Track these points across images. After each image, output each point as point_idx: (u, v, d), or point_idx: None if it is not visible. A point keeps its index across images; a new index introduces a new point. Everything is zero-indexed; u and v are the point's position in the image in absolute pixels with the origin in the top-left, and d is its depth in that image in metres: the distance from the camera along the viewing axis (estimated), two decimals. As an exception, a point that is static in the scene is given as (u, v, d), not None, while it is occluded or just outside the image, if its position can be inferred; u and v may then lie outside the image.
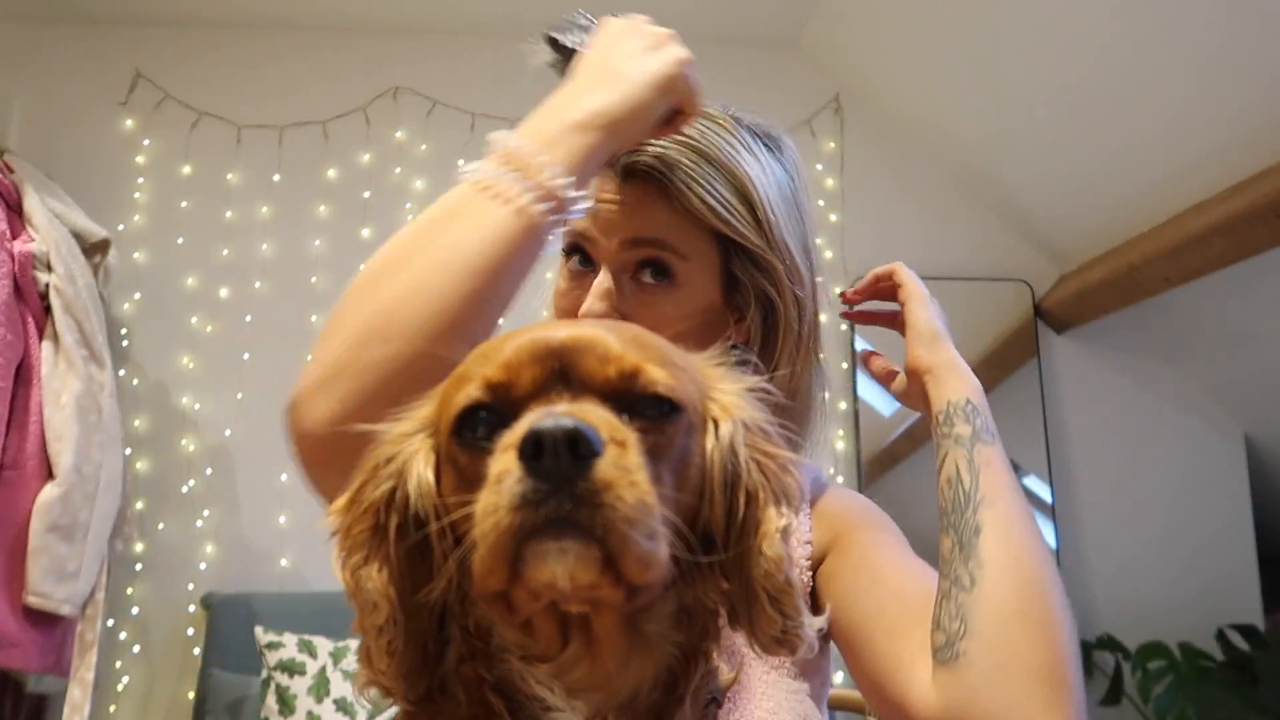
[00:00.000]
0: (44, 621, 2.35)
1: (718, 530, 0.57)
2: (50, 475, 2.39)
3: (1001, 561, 0.72)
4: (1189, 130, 2.56)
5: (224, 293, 3.14)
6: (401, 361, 0.69)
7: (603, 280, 0.91)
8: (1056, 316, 3.26)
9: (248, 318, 3.13)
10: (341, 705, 2.49)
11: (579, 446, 0.47)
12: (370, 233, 3.18)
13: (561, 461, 0.47)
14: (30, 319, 2.47)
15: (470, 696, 0.56)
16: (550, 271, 1.02)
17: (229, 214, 3.18)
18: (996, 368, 3.23)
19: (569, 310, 0.94)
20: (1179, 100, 2.52)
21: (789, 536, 0.58)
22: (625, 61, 0.81)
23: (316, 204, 3.20)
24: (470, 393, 0.53)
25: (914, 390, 0.92)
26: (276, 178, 3.20)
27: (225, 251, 3.16)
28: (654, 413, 0.53)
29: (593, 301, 0.91)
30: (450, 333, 0.69)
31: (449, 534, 0.54)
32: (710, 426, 0.58)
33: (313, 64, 3.29)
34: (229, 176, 3.20)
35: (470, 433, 0.53)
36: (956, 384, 0.87)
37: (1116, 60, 2.57)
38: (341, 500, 0.58)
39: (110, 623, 2.83)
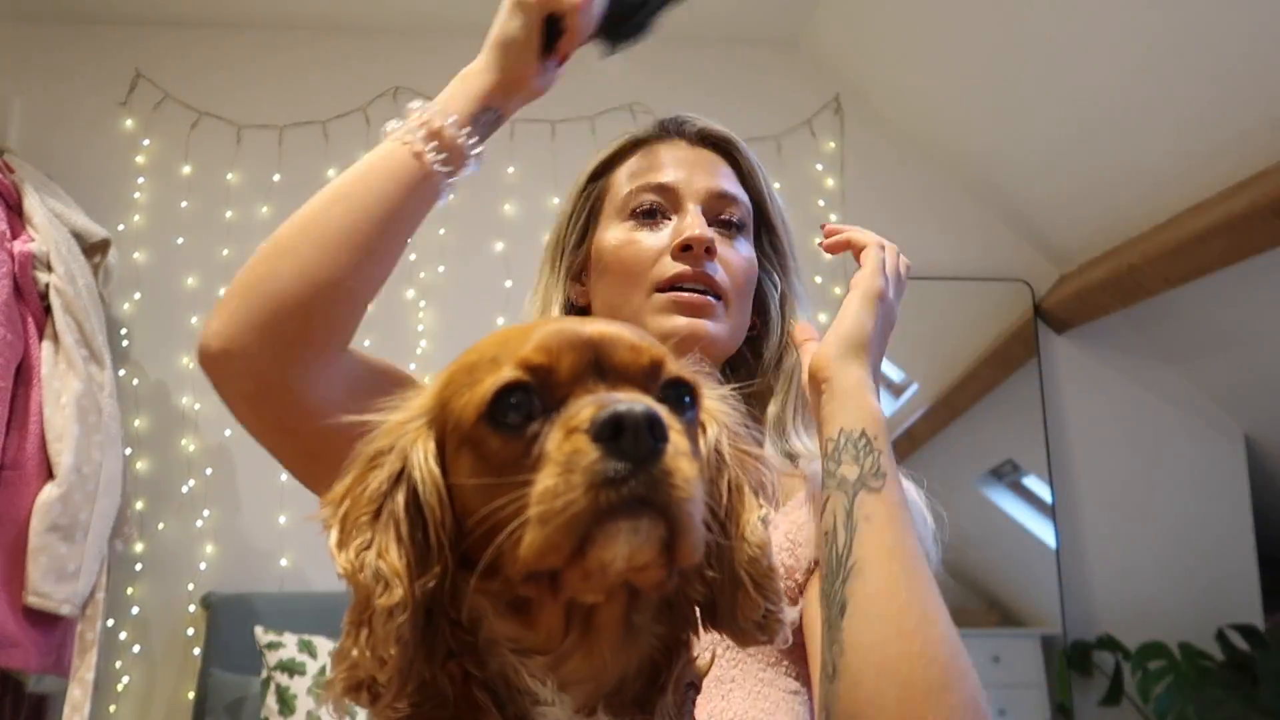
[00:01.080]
0: (44, 621, 2.35)
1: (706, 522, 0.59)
2: (50, 475, 2.39)
3: (862, 653, 0.69)
4: (1189, 131, 2.56)
5: (224, 293, 3.14)
6: (292, 279, 0.81)
7: (697, 213, 0.98)
8: (1056, 316, 3.26)
9: (248, 318, 3.13)
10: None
11: (655, 430, 0.49)
12: (370, 233, 3.18)
13: (641, 443, 0.49)
14: (30, 319, 2.47)
15: (457, 693, 0.56)
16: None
17: (229, 214, 3.18)
18: (996, 368, 3.23)
19: (641, 253, 0.98)
20: (1179, 101, 2.52)
21: (768, 524, 0.61)
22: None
23: (316, 204, 3.20)
24: (507, 373, 0.54)
25: (812, 396, 0.84)
26: (276, 178, 3.20)
27: (225, 251, 3.16)
28: (679, 405, 0.56)
29: (702, 232, 0.95)
30: (343, 252, 0.81)
31: (448, 522, 0.55)
32: (699, 429, 0.61)
33: (313, 64, 3.29)
34: (229, 176, 3.20)
35: (502, 416, 0.53)
36: (855, 411, 0.78)
37: (1116, 60, 2.57)
38: (336, 490, 0.58)
39: (110, 623, 2.83)
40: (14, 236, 2.48)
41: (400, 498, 0.55)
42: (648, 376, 0.56)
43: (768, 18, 3.26)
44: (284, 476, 2.99)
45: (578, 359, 0.54)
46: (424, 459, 0.56)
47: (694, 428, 0.58)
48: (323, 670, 2.54)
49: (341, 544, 0.55)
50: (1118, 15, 2.44)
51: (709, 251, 0.95)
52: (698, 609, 0.61)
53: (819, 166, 3.35)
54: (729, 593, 0.60)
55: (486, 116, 0.89)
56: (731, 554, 0.59)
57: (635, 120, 3.18)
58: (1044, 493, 3.15)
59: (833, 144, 3.38)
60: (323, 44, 3.30)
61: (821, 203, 3.32)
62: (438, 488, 0.55)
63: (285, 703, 2.49)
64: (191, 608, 2.94)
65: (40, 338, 2.49)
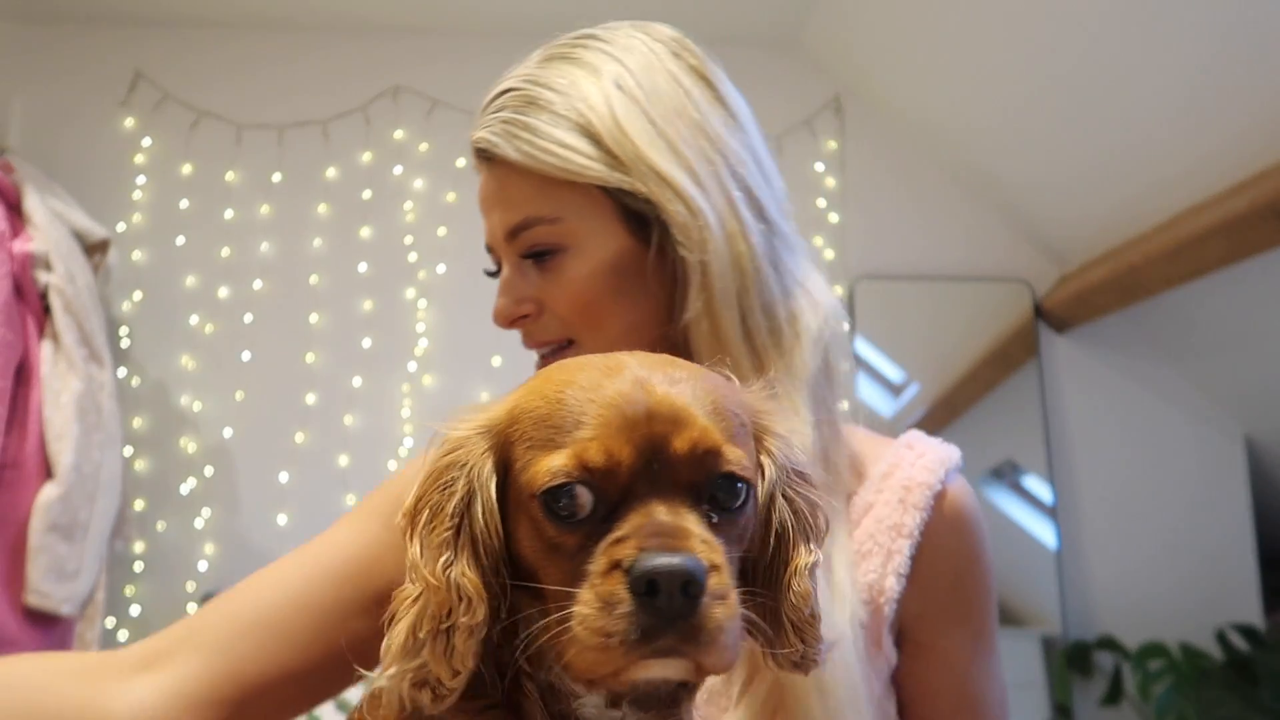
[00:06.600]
0: (44, 621, 2.35)
1: (752, 558, 0.62)
2: (50, 475, 2.39)
3: None
4: (1189, 130, 2.56)
5: (224, 292, 3.14)
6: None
7: (504, 274, 0.94)
8: (1056, 316, 3.26)
9: (247, 317, 3.13)
10: (341, 705, 2.49)
11: (690, 587, 0.51)
12: (370, 232, 3.18)
13: (674, 601, 0.51)
14: (30, 319, 2.47)
15: (506, 684, 0.60)
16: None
17: (229, 214, 3.18)
18: (996, 368, 3.23)
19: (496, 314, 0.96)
20: (1179, 100, 2.52)
21: (816, 572, 0.62)
22: None
23: (316, 204, 3.20)
24: (564, 465, 0.55)
25: None
26: (276, 177, 3.20)
27: (225, 251, 3.16)
28: (731, 502, 0.57)
29: (499, 301, 0.93)
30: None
31: (501, 551, 0.58)
32: (758, 475, 0.61)
33: (313, 64, 3.29)
34: (229, 176, 3.20)
35: (557, 505, 0.55)
36: None
37: (1117, 60, 2.57)
38: (409, 502, 0.60)
39: (110, 623, 2.83)
40: (14, 236, 2.48)
41: (478, 517, 0.58)
42: (700, 470, 0.56)
43: (767, 18, 3.26)
44: (284, 476, 3.02)
45: (635, 458, 0.54)
46: (485, 490, 0.58)
47: (745, 518, 0.59)
48: (323, 670, 2.54)
49: (424, 558, 0.58)
50: (1118, 15, 2.44)
51: (522, 318, 0.91)
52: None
53: (819, 166, 3.35)
54: (771, 628, 0.62)
55: None
56: (777, 598, 0.62)
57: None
58: (1044, 493, 3.15)
59: (833, 144, 3.38)
60: (323, 44, 3.30)
61: (822, 202, 3.32)
62: (495, 523, 0.58)
63: (285, 703, 2.48)
64: (191, 607, 2.94)
65: (40, 337, 2.49)
